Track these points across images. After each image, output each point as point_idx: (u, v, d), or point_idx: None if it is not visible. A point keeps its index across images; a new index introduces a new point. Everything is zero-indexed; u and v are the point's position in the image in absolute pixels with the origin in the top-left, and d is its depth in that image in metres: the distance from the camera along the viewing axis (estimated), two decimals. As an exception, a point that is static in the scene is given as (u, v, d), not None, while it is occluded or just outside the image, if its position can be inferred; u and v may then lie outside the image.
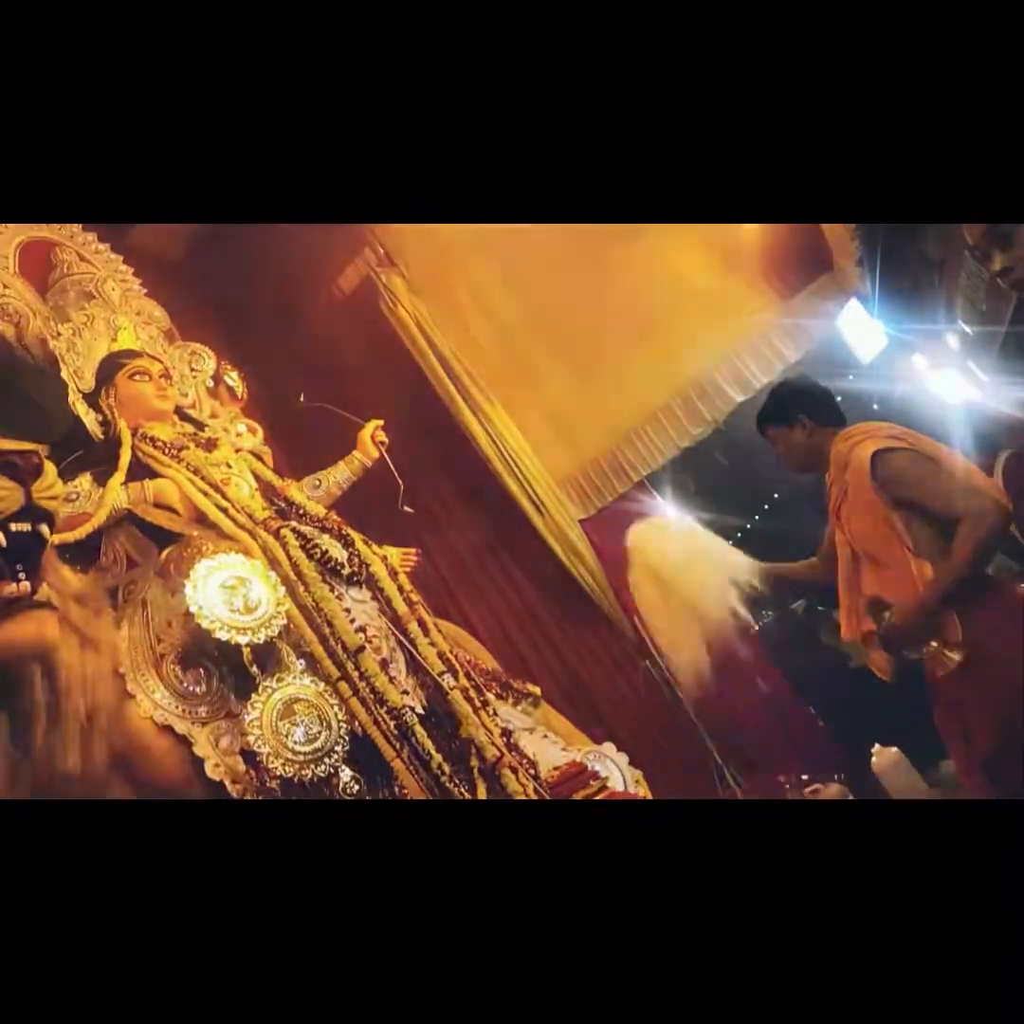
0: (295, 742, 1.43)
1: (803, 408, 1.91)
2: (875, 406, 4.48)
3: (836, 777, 3.05)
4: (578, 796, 1.73)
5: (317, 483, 2.24)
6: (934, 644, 1.65)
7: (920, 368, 3.65)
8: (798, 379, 2.08)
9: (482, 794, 1.56)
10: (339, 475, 2.27)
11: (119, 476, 1.80)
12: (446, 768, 1.54)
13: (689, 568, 2.00)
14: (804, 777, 2.99)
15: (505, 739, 1.72)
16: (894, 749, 3.15)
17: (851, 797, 2.94)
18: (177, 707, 1.48)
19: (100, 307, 2.14)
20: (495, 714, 1.79)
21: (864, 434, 1.79)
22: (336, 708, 1.52)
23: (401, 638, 1.76)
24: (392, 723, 1.55)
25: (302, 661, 1.59)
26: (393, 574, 1.89)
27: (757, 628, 5.21)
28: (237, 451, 2.10)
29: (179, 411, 2.13)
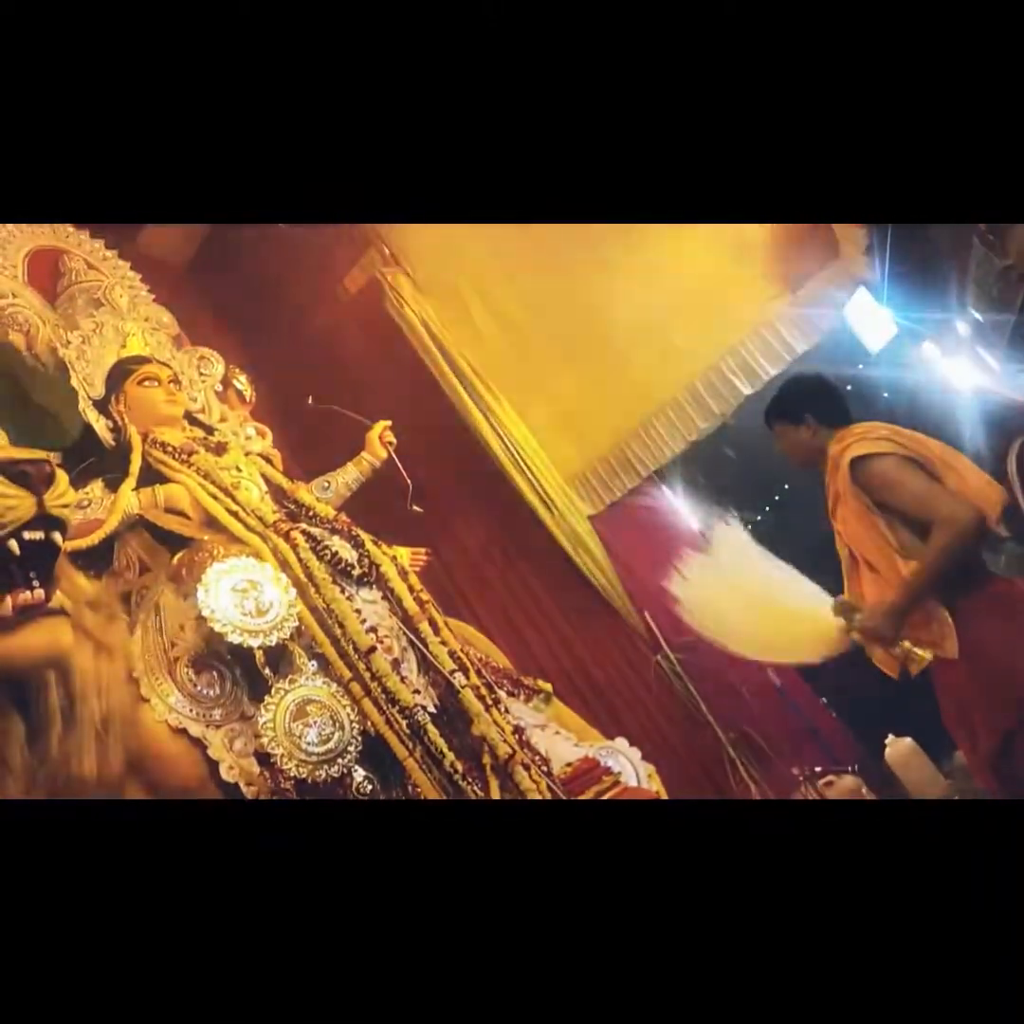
0: (308, 743, 1.44)
1: (811, 408, 1.91)
2: (885, 394, 4.44)
3: (850, 768, 3.04)
4: (591, 792, 1.74)
5: (326, 485, 2.25)
6: (906, 643, 1.66)
7: (931, 356, 3.62)
8: (809, 376, 2.07)
9: (495, 792, 1.56)
10: (348, 476, 2.28)
11: (130, 482, 1.81)
12: (459, 766, 1.55)
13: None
14: (818, 769, 2.98)
15: (517, 736, 1.73)
16: (908, 739, 3.13)
17: (865, 788, 2.93)
18: (191, 710, 1.49)
19: (109, 314, 2.16)
20: (507, 711, 1.79)
21: (857, 436, 1.79)
22: (349, 709, 1.53)
23: (412, 638, 1.77)
24: (404, 722, 1.56)
25: (314, 663, 1.60)
26: (403, 574, 1.90)
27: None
28: (246, 454, 2.11)
29: (188, 416, 2.15)
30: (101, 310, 2.17)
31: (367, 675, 1.59)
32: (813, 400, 1.93)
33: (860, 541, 1.77)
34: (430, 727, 1.57)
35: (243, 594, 1.56)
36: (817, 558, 2.24)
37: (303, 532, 1.81)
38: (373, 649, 1.62)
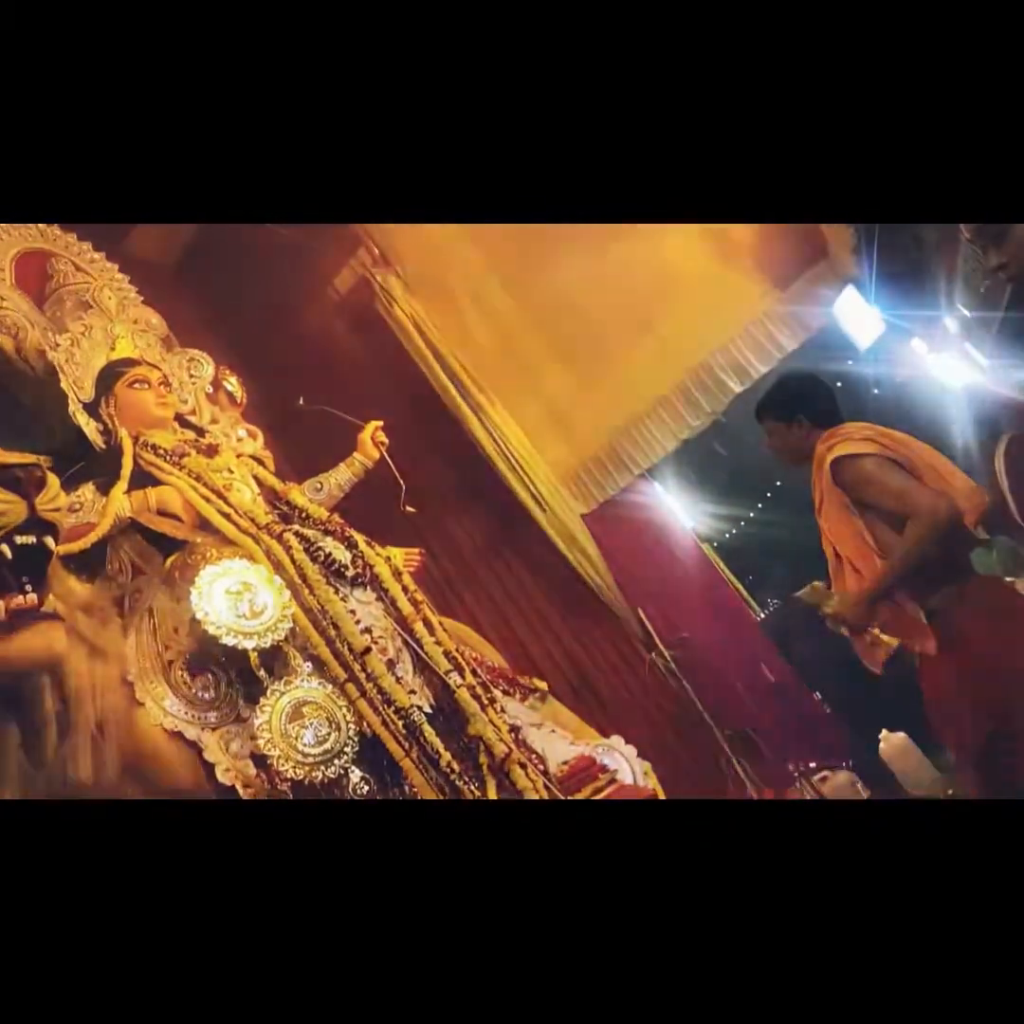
0: (305, 744, 1.44)
1: (802, 407, 1.92)
2: (875, 390, 4.47)
3: (845, 763, 3.06)
4: (587, 790, 1.74)
5: (319, 486, 2.25)
6: (874, 630, 1.68)
7: (919, 352, 3.64)
8: (801, 375, 2.08)
9: (492, 791, 1.57)
10: (340, 477, 2.27)
11: (121, 485, 1.80)
12: (455, 766, 1.55)
13: None
14: (813, 765, 3.00)
15: (513, 735, 1.73)
16: (902, 734, 3.15)
17: (859, 783, 2.95)
18: (186, 713, 1.49)
19: (97, 316, 2.15)
20: (503, 711, 1.80)
21: (841, 437, 1.81)
22: (344, 710, 1.52)
23: (407, 638, 1.77)
24: (400, 723, 1.56)
25: (309, 664, 1.60)
26: (397, 574, 1.90)
27: (762, 617, 5.22)
28: (238, 456, 2.10)
29: (179, 418, 2.13)
30: (90, 312, 2.15)
31: (362, 676, 1.58)
32: (804, 399, 1.94)
33: (842, 540, 1.79)
34: (426, 727, 1.57)
35: (237, 596, 1.55)
36: (807, 555, 2.26)
37: (296, 534, 1.81)
38: (368, 650, 1.62)
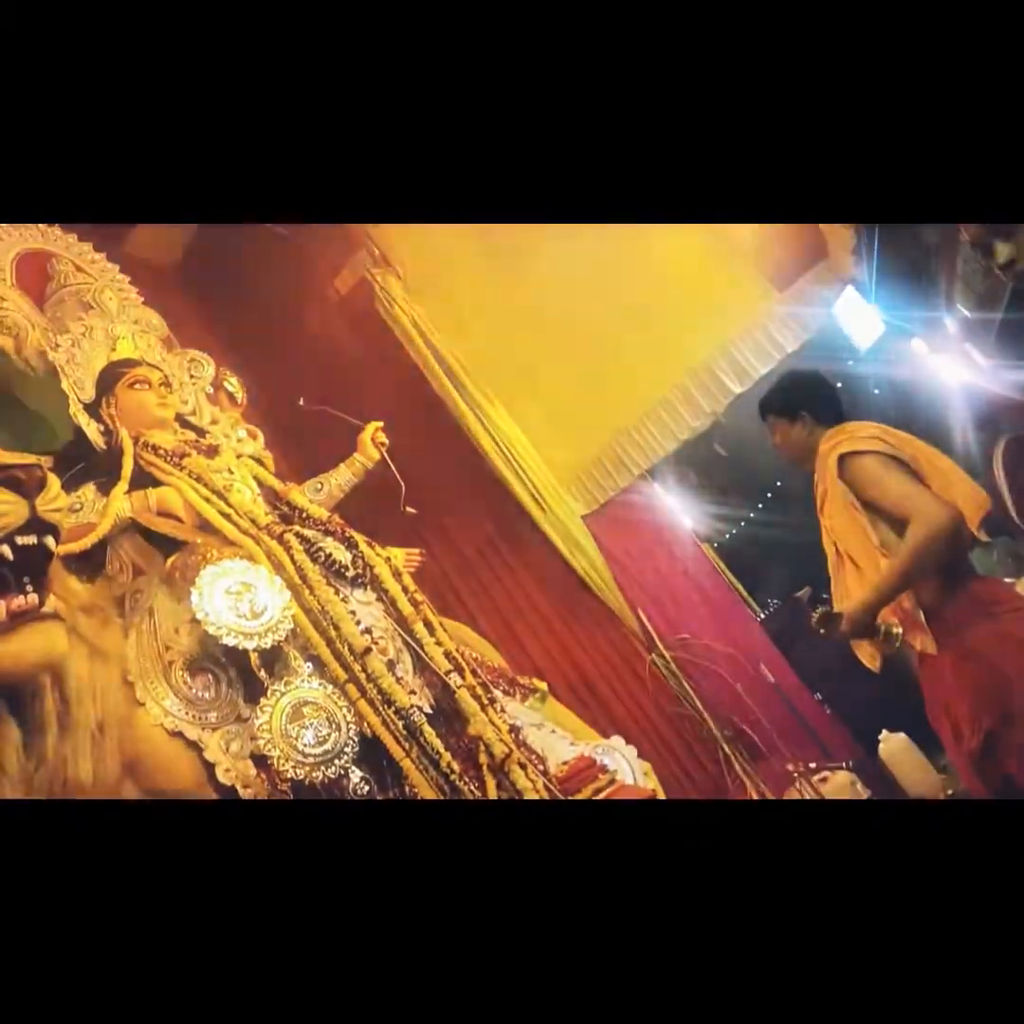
0: (305, 745, 1.44)
1: (807, 405, 1.92)
2: (875, 391, 4.48)
3: (844, 764, 3.06)
4: (587, 790, 1.75)
5: (319, 486, 2.25)
6: (879, 625, 1.68)
7: (919, 353, 3.64)
8: (807, 373, 2.08)
9: (492, 791, 1.57)
10: (341, 478, 2.27)
11: (122, 485, 1.80)
12: (455, 766, 1.55)
13: None
14: (812, 765, 3.00)
15: (513, 735, 1.73)
16: (901, 735, 3.15)
17: (859, 784, 2.95)
18: (187, 713, 1.49)
19: (98, 317, 2.15)
20: (503, 711, 1.80)
21: (847, 434, 1.81)
22: (345, 710, 1.53)
23: (407, 638, 1.77)
24: (400, 723, 1.56)
25: (309, 664, 1.60)
26: (397, 575, 1.90)
27: (762, 617, 5.22)
28: (238, 457, 2.11)
29: (180, 418, 2.14)
30: (90, 313, 2.15)
31: (363, 676, 1.59)
32: (810, 397, 1.94)
33: (845, 537, 1.79)
34: (426, 727, 1.57)
35: (237, 596, 1.55)
36: (807, 555, 2.26)
37: (296, 534, 1.81)
38: (368, 650, 1.62)
